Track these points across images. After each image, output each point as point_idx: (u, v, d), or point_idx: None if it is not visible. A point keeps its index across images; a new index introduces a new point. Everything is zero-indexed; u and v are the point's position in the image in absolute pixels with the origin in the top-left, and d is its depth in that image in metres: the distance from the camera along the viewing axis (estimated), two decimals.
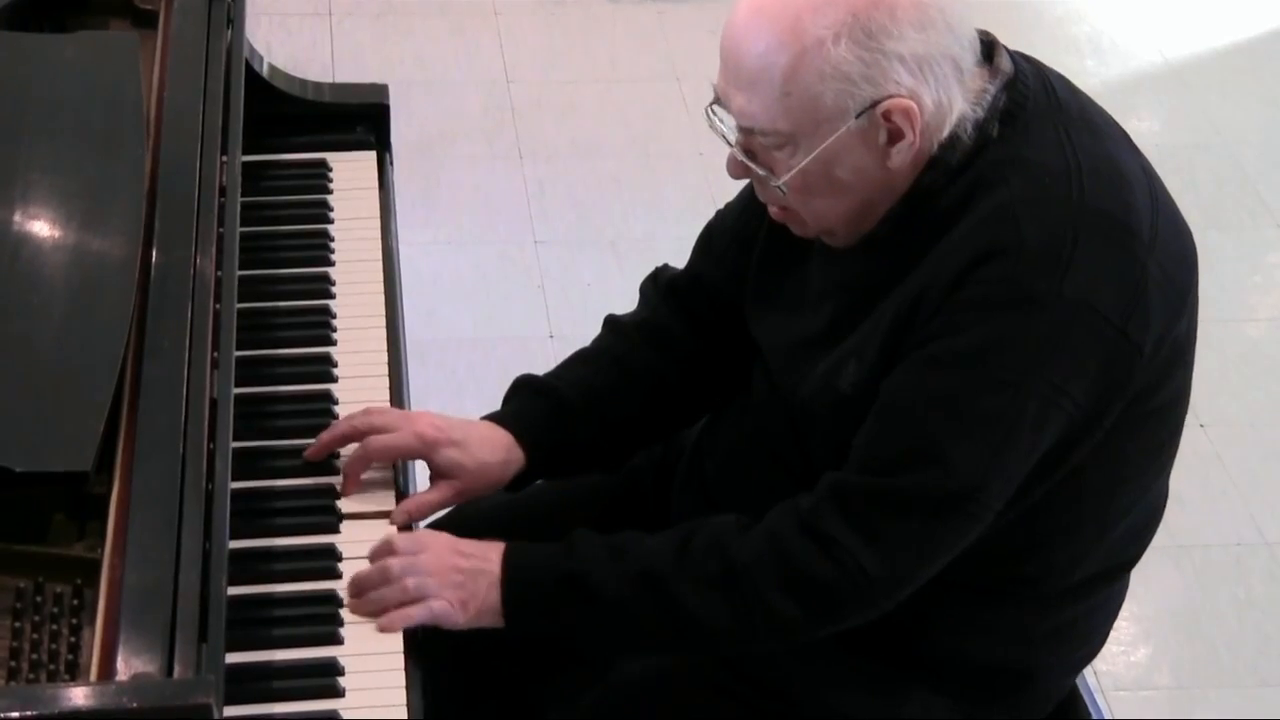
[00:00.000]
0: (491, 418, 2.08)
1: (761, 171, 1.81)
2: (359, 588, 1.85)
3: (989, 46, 1.82)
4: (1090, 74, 4.64)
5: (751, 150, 1.81)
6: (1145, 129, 4.47)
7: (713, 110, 1.82)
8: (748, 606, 1.81)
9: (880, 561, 1.78)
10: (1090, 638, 2.04)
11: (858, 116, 1.73)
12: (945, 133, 1.77)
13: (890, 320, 1.80)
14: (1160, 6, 5.09)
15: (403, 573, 1.84)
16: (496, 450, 2.03)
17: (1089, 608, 1.99)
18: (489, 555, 1.88)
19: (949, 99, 1.75)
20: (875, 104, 1.72)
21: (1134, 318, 1.74)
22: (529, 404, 2.08)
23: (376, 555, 1.88)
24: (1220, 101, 4.69)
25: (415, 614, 1.83)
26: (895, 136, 1.75)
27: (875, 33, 1.69)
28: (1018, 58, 1.84)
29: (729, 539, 1.84)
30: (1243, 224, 4.25)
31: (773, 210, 1.89)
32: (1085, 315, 1.72)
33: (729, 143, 1.82)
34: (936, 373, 1.75)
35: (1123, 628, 3.14)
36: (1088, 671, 2.12)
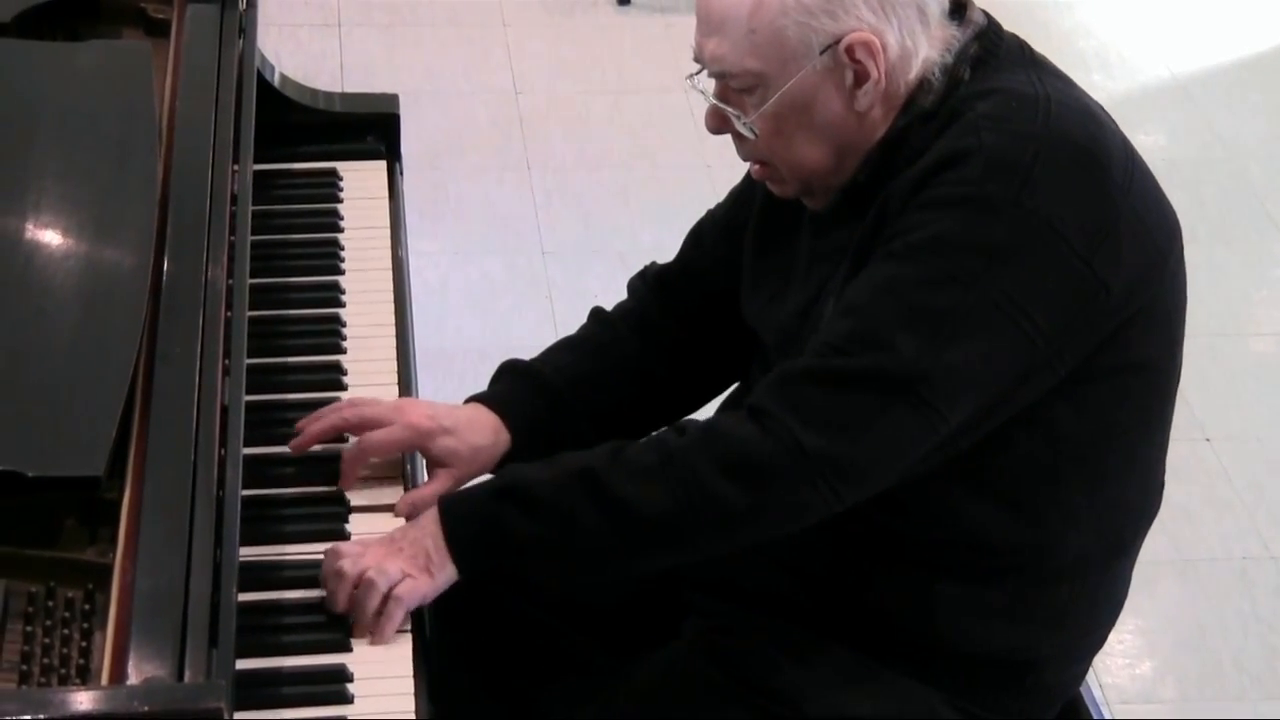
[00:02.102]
0: (478, 398, 2.10)
1: (734, 113, 1.85)
2: (333, 604, 1.85)
3: (961, 6, 1.87)
4: (1097, 88, 4.64)
5: (726, 98, 1.87)
6: (1152, 143, 4.48)
7: (693, 78, 1.89)
8: (686, 491, 1.80)
9: (814, 436, 1.77)
10: (1089, 629, 2.03)
11: (822, 53, 1.79)
12: (912, 75, 1.82)
13: (858, 243, 1.84)
14: (1167, 21, 5.11)
15: (354, 567, 1.84)
16: (486, 433, 2.05)
17: (1086, 592, 1.98)
18: (423, 521, 1.89)
19: (913, 41, 1.81)
20: (838, 40, 1.78)
21: (1101, 252, 1.76)
22: (515, 386, 2.11)
23: (325, 570, 1.87)
24: (1227, 116, 4.70)
25: (394, 611, 1.83)
26: (861, 76, 1.80)
27: None
28: (992, 17, 1.88)
29: (666, 434, 1.86)
30: (1249, 238, 4.25)
31: (753, 169, 1.94)
32: (1044, 233, 1.75)
33: (707, 97, 1.88)
34: (889, 264, 1.78)
35: (1128, 640, 3.14)
36: (1092, 683, 2.12)
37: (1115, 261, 1.77)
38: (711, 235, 2.15)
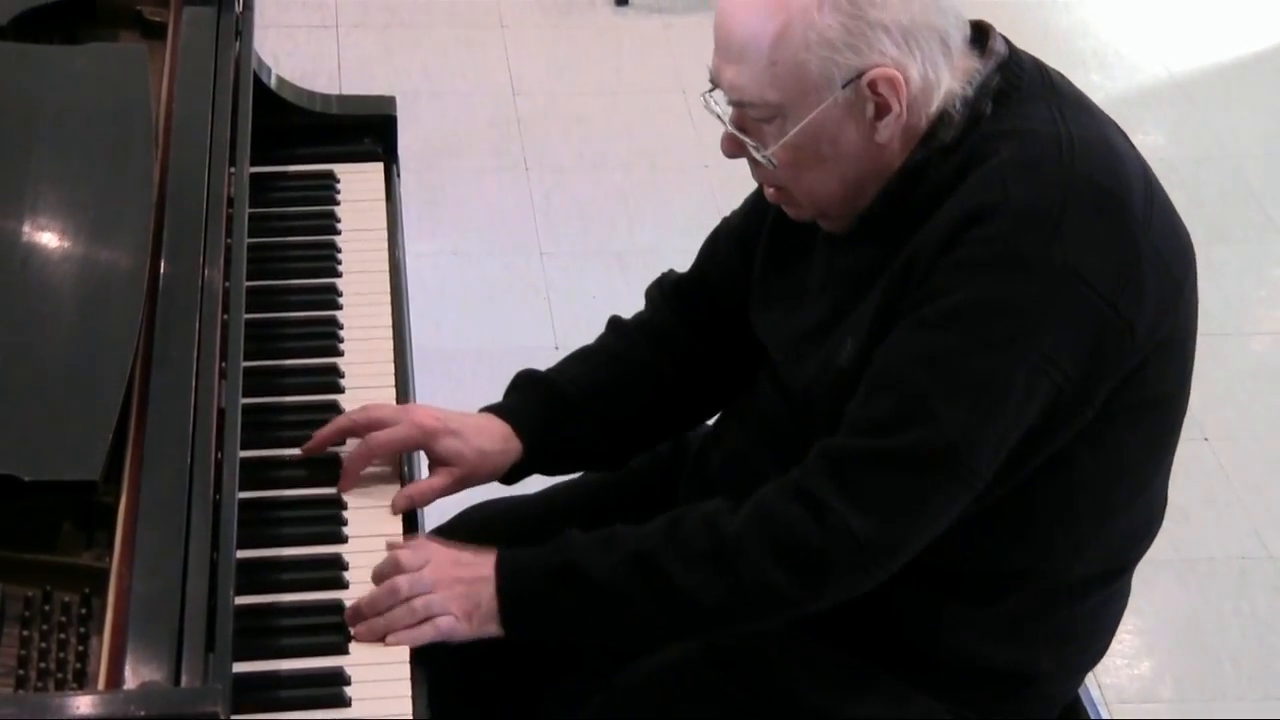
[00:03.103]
0: (490, 409, 2.10)
1: (752, 144, 1.83)
2: (372, 608, 1.85)
3: (982, 33, 1.84)
4: (1096, 88, 4.64)
5: (743, 125, 1.84)
6: (1150, 143, 4.48)
7: (708, 95, 1.85)
8: (738, 576, 1.81)
9: (869, 523, 1.77)
10: (1090, 643, 2.04)
11: (844, 87, 1.76)
12: (933, 108, 1.79)
13: (883, 291, 1.82)
14: (1166, 21, 5.11)
15: (411, 590, 1.84)
16: (495, 440, 2.05)
17: (1088, 610, 1.99)
18: (486, 563, 1.89)
19: (936, 74, 1.77)
20: (860, 74, 1.75)
21: (1125, 293, 1.75)
22: (528, 397, 2.10)
23: (382, 573, 1.88)
24: (1225, 115, 4.70)
25: (423, 634, 1.84)
26: (882, 110, 1.77)
27: (859, 1, 1.73)
28: (1013, 45, 1.86)
29: (719, 516, 1.85)
30: (1247, 237, 4.25)
31: (768, 192, 1.92)
32: (1074, 284, 1.73)
33: (724, 122, 1.85)
34: (925, 333, 1.77)
35: (1126, 640, 3.14)
36: (1091, 684, 2.12)
37: (1138, 301, 1.76)
38: (726, 245, 2.13)
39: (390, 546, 1.92)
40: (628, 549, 1.85)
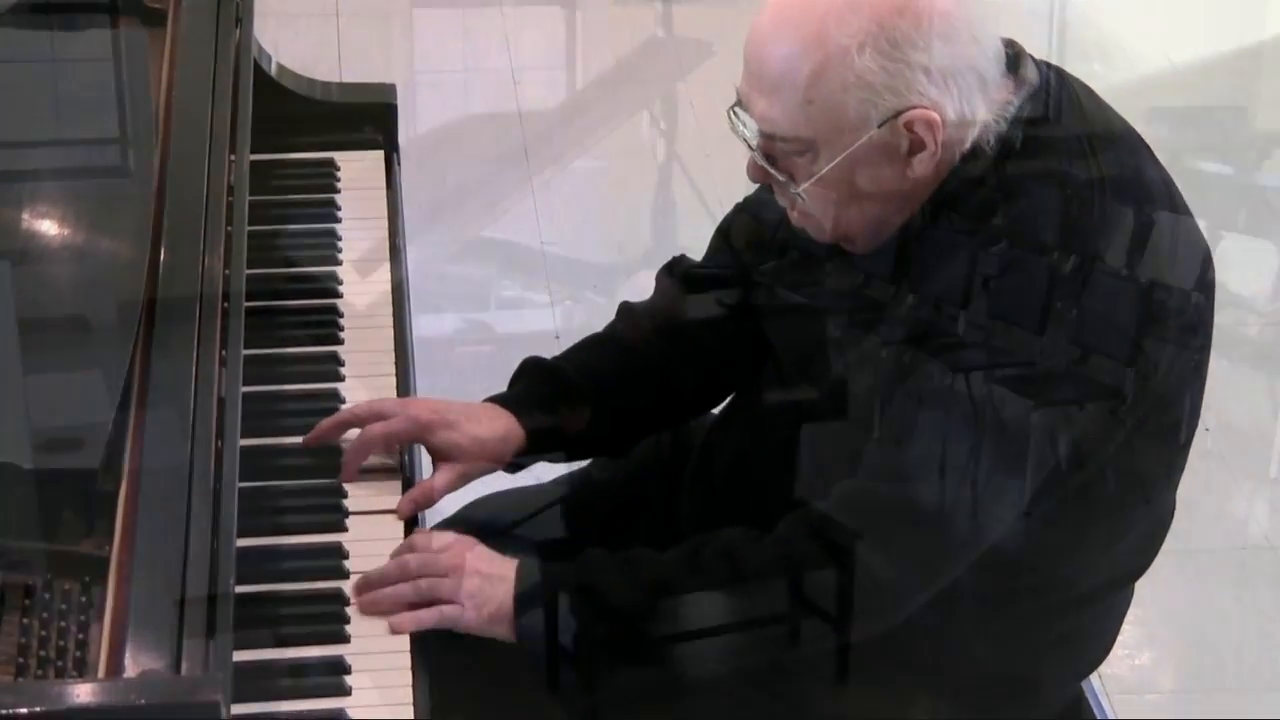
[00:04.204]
0: (495, 399, 2.09)
1: (781, 177, 1.80)
2: (380, 581, 1.85)
3: (1014, 57, 1.81)
4: (1098, 78, 4.60)
5: (772, 155, 1.80)
6: (1152, 134, 4.43)
7: (735, 112, 1.81)
8: (755, 614, 1.81)
9: (891, 569, 1.77)
10: (1095, 646, 2.04)
11: (880, 126, 1.72)
12: (967, 144, 1.76)
13: (906, 327, 1.79)
14: (1167, 11, 5.10)
15: (420, 569, 1.84)
16: (495, 428, 2.04)
17: (1094, 615, 1.99)
18: (506, 565, 1.88)
19: (972, 110, 1.74)
20: (898, 114, 1.71)
21: (1149, 336, 1.74)
22: (533, 386, 2.09)
23: (399, 554, 1.88)
24: (1226, 105, 4.70)
25: (425, 618, 1.83)
26: (916, 147, 1.74)
27: (900, 43, 1.69)
28: (1043, 67, 1.83)
29: (738, 548, 1.84)
30: (1249, 228, 4.25)
31: (792, 215, 1.88)
32: (1100, 330, 1.72)
33: (750, 146, 1.81)
34: (951, 382, 1.74)
35: (1127, 631, 3.11)
36: (1091, 675, 2.12)
37: (1160, 344, 1.75)
38: (740, 238, 2.09)
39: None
40: (647, 577, 1.85)
